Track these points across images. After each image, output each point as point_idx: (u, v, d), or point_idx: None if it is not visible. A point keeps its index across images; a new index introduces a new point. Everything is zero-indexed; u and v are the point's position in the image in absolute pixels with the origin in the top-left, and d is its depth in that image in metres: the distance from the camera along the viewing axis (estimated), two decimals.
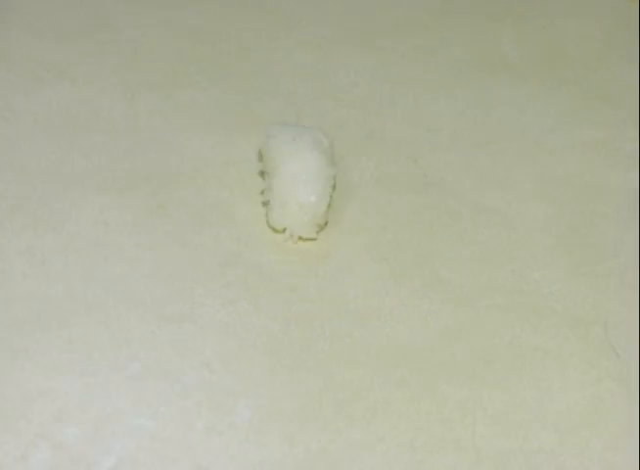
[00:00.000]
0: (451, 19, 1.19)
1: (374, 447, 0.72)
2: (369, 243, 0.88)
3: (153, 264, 0.82)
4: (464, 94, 1.07)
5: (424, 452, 0.72)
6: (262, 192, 0.89)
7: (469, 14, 1.20)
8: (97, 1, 1.10)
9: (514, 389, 0.77)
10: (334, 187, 0.89)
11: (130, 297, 0.79)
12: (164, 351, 0.76)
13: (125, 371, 0.74)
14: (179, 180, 0.91)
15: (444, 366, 0.78)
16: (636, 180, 0.98)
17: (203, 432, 0.71)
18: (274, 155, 0.87)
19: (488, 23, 1.19)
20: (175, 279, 0.81)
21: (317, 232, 0.87)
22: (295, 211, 0.86)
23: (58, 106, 0.97)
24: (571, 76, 1.12)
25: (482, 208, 0.93)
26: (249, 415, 0.73)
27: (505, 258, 0.88)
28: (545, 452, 0.73)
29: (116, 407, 0.71)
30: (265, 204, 0.88)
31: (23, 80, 0.99)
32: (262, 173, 0.91)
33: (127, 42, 1.06)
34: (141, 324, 0.77)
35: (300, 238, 0.87)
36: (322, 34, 1.13)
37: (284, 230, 0.87)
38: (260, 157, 0.92)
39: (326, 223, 0.88)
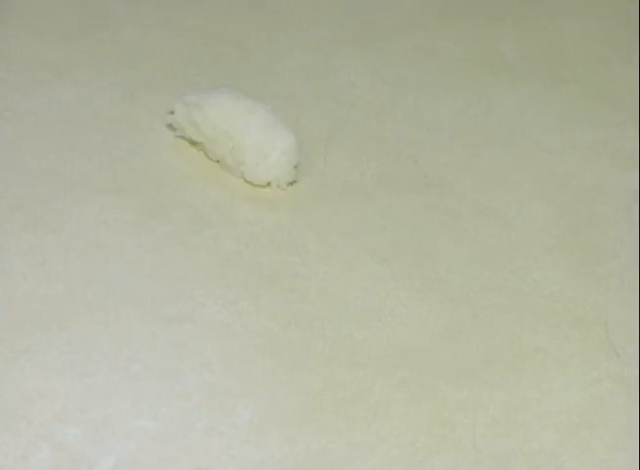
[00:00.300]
0: (451, 19, 1.19)
1: (374, 448, 0.72)
2: (369, 243, 0.88)
3: (153, 265, 0.82)
4: (464, 94, 1.07)
5: (424, 453, 0.72)
6: (219, 160, 0.90)
7: (469, 14, 1.20)
8: (97, 1, 1.10)
9: (514, 389, 0.77)
10: None
11: (130, 297, 0.79)
12: (165, 351, 0.76)
13: (126, 372, 0.74)
14: (179, 181, 0.91)
15: (445, 367, 0.78)
16: (636, 180, 0.98)
17: (203, 432, 0.71)
18: (224, 117, 0.88)
19: (488, 23, 1.19)
20: (175, 279, 0.81)
21: (296, 174, 0.90)
22: (278, 161, 0.87)
23: (58, 106, 0.97)
24: (570, 76, 1.12)
25: (483, 208, 0.93)
26: (249, 416, 0.72)
27: (505, 259, 0.88)
28: (545, 453, 0.73)
29: (117, 408, 0.71)
30: (234, 167, 0.89)
31: (24, 81, 0.99)
32: (195, 142, 0.92)
33: (127, 42, 1.06)
34: (141, 325, 0.77)
35: (287, 185, 0.89)
36: (322, 35, 1.13)
37: (268, 184, 0.88)
38: (184, 128, 0.92)
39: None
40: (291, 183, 0.91)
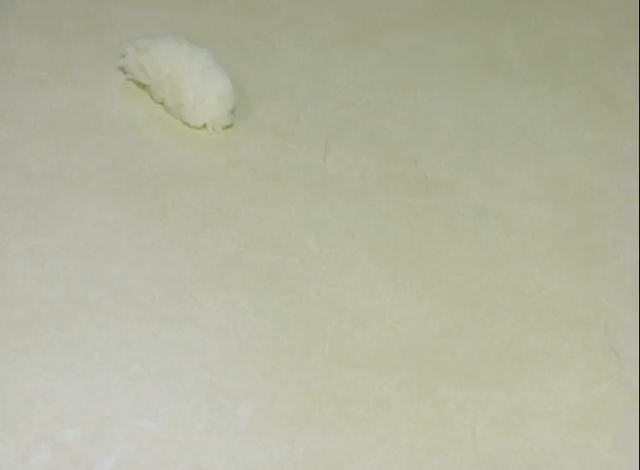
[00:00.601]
0: (451, 19, 1.19)
1: (374, 449, 0.72)
2: (369, 243, 0.88)
3: (153, 266, 0.82)
4: (464, 94, 1.07)
5: (424, 453, 0.72)
6: (160, 100, 0.95)
7: (469, 14, 1.20)
8: (97, 1, 1.10)
9: (514, 390, 0.77)
10: None
11: (130, 298, 0.79)
12: (164, 352, 0.76)
13: (125, 372, 0.74)
14: (179, 181, 0.91)
15: (444, 367, 0.78)
16: (636, 181, 0.98)
17: (203, 433, 0.71)
18: (167, 61, 0.93)
19: (488, 23, 1.19)
20: (175, 280, 0.81)
21: (232, 119, 0.96)
22: (214, 104, 0.93)
23: (58, 107, 0.97)
24: (570, 77, 1.12)
25: (483, 209, 0.93)
26: (249, 416, 0.72)
27: (505, 260, 0.88)
28: (545, 453, 0.73)
29: (117, 409, 0.71)
30: (173, 109, 0.94)
31: (24, 81, 0.99)
32: (144, 85, 0.97)
33: (127, 42, 1.05)
34: (141, 325, 0.77)
35: (222, 128, 0.95)
36: (322, 35, 1.13)
37: (204, 126, 0.94)
38: (133, 71, 0.97)
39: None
40: (227, 127, 0.96)
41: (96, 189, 0.88)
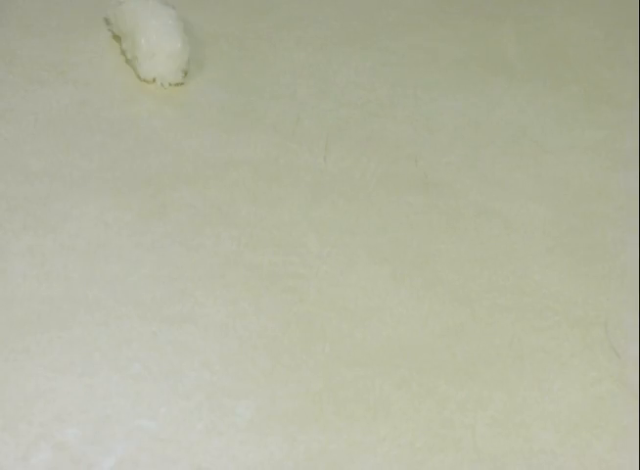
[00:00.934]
0: (451, 19, 1.19)
1: (375, 448, 0.72)
2: (369, 243, 0.88)
3: (153, 265, 0.82)
4: (464, 94, 1.07)
5: (424, 453, 0.72)
6: (124, 52, 1.01)
7: (469, 14, 1.20)
8: (97, 1, 1.10)
9: (514, 389, 0.77)
10: None
11: (130, 297, 0.79)
12: (165, 351, 0.76)
13: (126, 372, 0.74)
14: (179, 181, 0.91)
15: (445, 367, 0.78)
16: (636, 181, 0.98)
17: (203, 432, 0.71)
18: (132, 15, 0.99)
19: (488, 22, 1.19)
20: (175, 280, 0.81)
21: (183, 77, 1.00)
22: (163, 61, 0.98)
23: (58, 106, 0.97)
24: (571, 77, 1.12)
25: (483, 208, 0.93)
26: (249, 416, 0.72)
27: (505, 259, 0.88)
28: (545, 453, 0.73)
29: (117, 408, 0.71)
30: (131, 61, 1.00)
31: (24, 80, 0.99)
32: (117, 37, 1.03)
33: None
34: (141, 325, 0.77)
35: (170, 84, 0.99)
36: (322, 35, 1.13)
37: (154, 80, 0.99)
38: (111, 23, 1.04)
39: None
40: (177, 84, 1.00)
41: (96, 188, 0.88)
